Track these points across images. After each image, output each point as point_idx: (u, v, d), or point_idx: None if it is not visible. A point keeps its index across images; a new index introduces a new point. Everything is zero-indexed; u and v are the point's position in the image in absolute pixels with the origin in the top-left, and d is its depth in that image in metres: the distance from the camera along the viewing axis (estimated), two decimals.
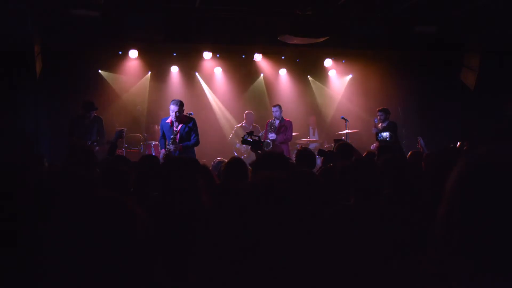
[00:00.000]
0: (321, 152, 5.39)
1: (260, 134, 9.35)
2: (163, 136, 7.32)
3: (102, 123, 8.51)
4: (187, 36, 9.05)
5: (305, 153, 4.75)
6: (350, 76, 11.10)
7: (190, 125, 7.20)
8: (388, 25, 9.05)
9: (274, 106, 8.93)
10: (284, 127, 8.73)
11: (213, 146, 9.92)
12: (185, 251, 2.08)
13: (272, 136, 8.62)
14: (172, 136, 7.12)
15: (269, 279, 1.20)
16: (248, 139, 6.12)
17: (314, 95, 11.36)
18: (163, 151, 7.24)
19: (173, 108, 7.07)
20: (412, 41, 9.34)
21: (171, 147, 7.06)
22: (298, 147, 10.00)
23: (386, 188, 2.67)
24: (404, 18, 8.85)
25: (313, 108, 11.27)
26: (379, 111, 8.61)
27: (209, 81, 11.00)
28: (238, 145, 9.65)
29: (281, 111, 8.80)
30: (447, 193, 1.13)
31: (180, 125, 7.18)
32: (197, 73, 10.85)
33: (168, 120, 7.26)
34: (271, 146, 8.47)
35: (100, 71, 10.18)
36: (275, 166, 2.90)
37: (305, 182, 2.32)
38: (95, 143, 8.18)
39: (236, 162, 3.75)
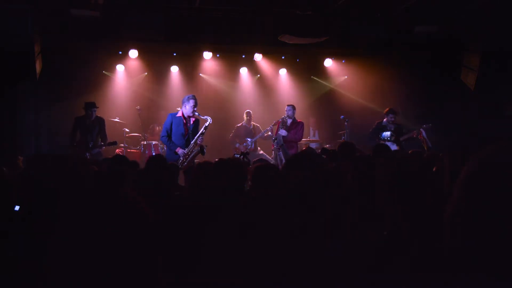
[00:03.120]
0: (324, 150, 5.40)
1: (268, 128, 9.18)
2: (169, 133, 7.06)
3: (104, 124, 8.56)
4: (187, 36, 9.05)
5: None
6: (345, 77, 11.11)
7: (206, 124, 7.05)
8: (388, 25, 9.04)
9: (288, 105, 8.95)
10: (296, 125, 8.79)
11: (214, 145, 9.90)
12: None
13: (283, 132, 8.65)
14: (187, 132, 6.99)
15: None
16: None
17: (314, 95, 11.36)
18: (181, 150, 6.97)
19: (193, 103, 6.96)
20: (412, 41, 9.33)
21: (200, 139, 6.91)
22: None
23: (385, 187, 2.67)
24: (404, 18, 8.84)
25: (313, 108, 11.26)
26: (393, 112, 8.67)
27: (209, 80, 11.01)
28: (237, 145, 9.65)
29: (294, 111, 8.86)
30: (454, 193, 1.13)
31: (193, 123, 7.11)
32: (201, 74, 10.84)
33: (179, 114, 7.09)
34: (282, 142, 8.45)
35: (104, 72, 10.20)
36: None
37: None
38: (101, 143, 8.27)
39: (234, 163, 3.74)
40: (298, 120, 8.93)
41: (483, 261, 1.06)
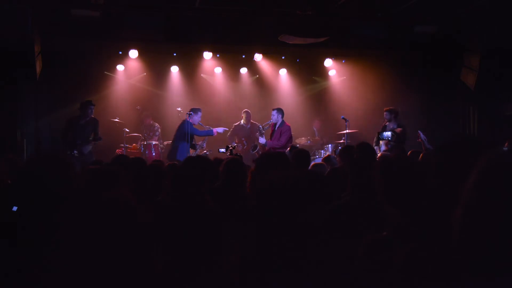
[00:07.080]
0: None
1: (267, 127, 9.04)
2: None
3: (98, 125, 8.52)
4: (187, 36, 9.05)
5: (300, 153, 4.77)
6: (344, 77, 11.10)
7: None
8: (388, 25, 9.04)
9: (273, 109, 8.73)
10: (279, 130, 8.48)
11: (214, 144, 9.90)
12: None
13: (261, 140, 8.56)
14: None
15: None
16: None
17: (314, 95, 11.36)
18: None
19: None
20: (412, 41, 9.33)
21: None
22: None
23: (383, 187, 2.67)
24: (404, 18, 8.84)
25: (313, 108, 11.26)
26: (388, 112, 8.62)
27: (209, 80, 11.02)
28: (234, 143, 9.64)
29: (278, 115, 8.56)
30: (465, 194, 1.12)
31: None
32: (203, 75, 10.84)
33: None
34: (257, 149, 8.41)
35: (106, 72, 10.20)
36: (276, 166, 2.91)
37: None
38: (90, 139, 8.27)
39: (234, 162, 3.70)
40: (286, 125, 8.51)
41: (493, 261, 1.06)
